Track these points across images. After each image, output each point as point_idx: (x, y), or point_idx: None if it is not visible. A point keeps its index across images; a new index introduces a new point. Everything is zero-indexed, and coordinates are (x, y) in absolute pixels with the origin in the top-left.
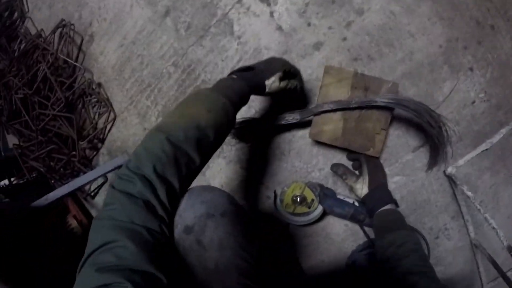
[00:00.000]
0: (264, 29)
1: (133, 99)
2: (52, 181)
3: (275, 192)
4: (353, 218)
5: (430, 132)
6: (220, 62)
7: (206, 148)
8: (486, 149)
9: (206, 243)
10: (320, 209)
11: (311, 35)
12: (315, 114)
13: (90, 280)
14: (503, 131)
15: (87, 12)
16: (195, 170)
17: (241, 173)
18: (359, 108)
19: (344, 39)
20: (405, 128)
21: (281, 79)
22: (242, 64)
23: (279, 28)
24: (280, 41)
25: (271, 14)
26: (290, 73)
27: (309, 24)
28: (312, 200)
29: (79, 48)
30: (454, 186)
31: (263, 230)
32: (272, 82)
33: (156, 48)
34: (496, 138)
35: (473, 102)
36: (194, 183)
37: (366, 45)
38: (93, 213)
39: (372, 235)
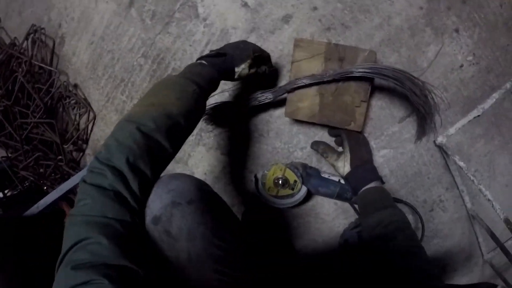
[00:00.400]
0: (229, 8)
1: (109, 96)
2: (45, 188)
3: (255, 176)
4: (340, 197)
5: (415, 101)
6: (189, 48)
7: (177, 136)
8: (478, 116)
9: (175, 233)
10: (304, 190)
11: (278, 8)
12: (289, 92)
13: (67, 279)
14: (495, 95)
15: (55, 13)
16: (168, 158)
17: (223, 159)
18: (335, 81)
19: (314, 8)
20: (389, 99)
21: (250, 66)
22: (210, 47)
23: (245, 4)
24: (246, 18)
25: None
26: (260, 58)
27: None
28: (295, 181)
29: (52, 52)
30: (446, 157)
31: (251, 215)
32: (242, 69)
33: (124, 41)
34: (488, 103)
35: (461, 66)
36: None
37: (338, 13)
38: None
39: None
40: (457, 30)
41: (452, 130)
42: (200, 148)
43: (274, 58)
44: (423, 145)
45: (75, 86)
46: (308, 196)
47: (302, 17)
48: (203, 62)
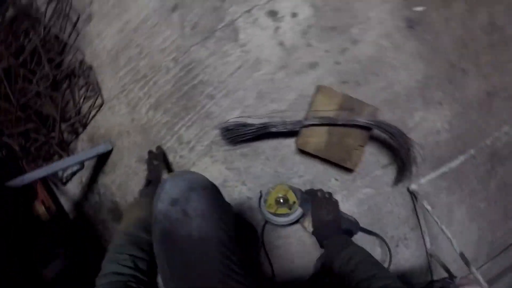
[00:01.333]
0: (267, 42)
1: (125, 88)
2: (23, 162)
3: (260, 192)
4: None
5: (400, 152)
6: (220, 66)
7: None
8: (445, 172)
9: (191, 212)
10: (299, 211)
11: (308, 55)
12: (304, 126)
13: None
14: (461, 158)
15: None
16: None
17: (226, 173)
18: (343, 125)
19: (338, 63)
20: (378, 147)
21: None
22: (241, 71)
23: (281, 43)
24: (280, 56)
25: (276, 29)
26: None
27: (308, 45)
28: (294, 202)
29: (74, 26)
30: (415, 201)
31: (241, 229)
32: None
33: (158, 40)
34: (455, 163)
35: (438, 131)
36: None
37: (355, 71)
38: (62, 200)
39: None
40: (440, 103)
41: (423, 181)
42: (206, 159)
43: (293, 95)
44: (398, 189)
45: (90, 67)
46: (298, 219)
47: (326, 68)
48: (141, 195)
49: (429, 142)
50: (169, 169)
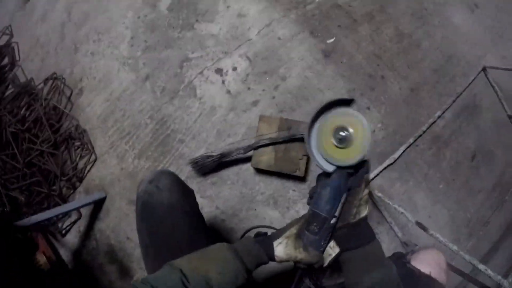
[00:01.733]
0: (217, 93)
1: (114, 144)
2: (26, 216)
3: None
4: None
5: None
6: (186, 116)
7: None
8: (392, 163)
9: (161, 186)
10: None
11: (250, 96)
12: (254, 149)
13: None
14: (402, 148)
15: (78, 69)
16: None
17: (201, 201)
18: (284, 142)
19: (273, 97)
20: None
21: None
22: (201, 118)
23: (228, 91)
24: (228, 101)
25: (223, 82)
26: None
27: (249, 88)
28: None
29: (68, 99)
30: (371, 196)
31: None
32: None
33: (136, 104)
34: (397, 153)
35: (373, 131)
36: None
37: (288, 100)
38: (62, 251)
39: None
40: (368, 108)
41: (371, 175)
42: None
43: (243, 128)
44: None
45: (84, 131)
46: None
47: (265, 102)
48: (256, 240)
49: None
50: None
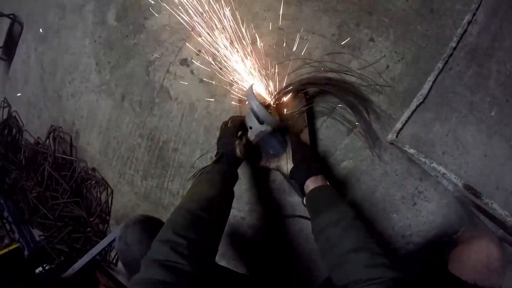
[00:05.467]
0: (191, 85)
1: (121, 172)
2: (78, 260)
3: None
4: None
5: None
6: (170, 123)
7: (216, 210)
8: (422, 102)
9: (130, 242)
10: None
11: (225, 75)
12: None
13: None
14: (430, 78)
15: (68, 114)
16: (209, 225)
17: None
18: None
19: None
20: (331, 118)
21: (241, 141)
22: (185, 119)
23: (201, 80)
24: (204, 90)
25: (192, 72)
26: (242, 127)
27: (221, 68)
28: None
29: (71, 145)
30: (404, 150)
31: (245, 245)
32: (239, 151)
33: (124, 127)
34: (426, 88)
35: (388, 67)
36: None
37: (269, 64)
38: (120, 279)
39: None
40: (372, 39)
41: (398, 125)
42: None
43: (231, 114)
44: (378, 147)
45: (93, 169)
46: (294, 221)
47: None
48: (214, 167)
49: (383, 82)
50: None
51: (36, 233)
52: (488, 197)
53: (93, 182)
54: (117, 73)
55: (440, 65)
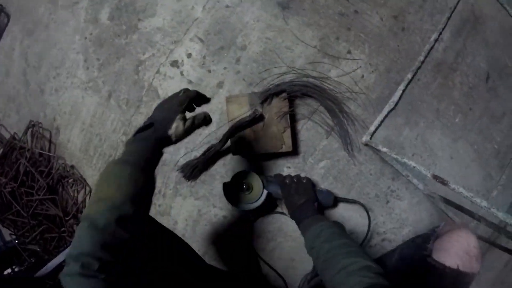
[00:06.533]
0: (179, 86)
1: (101, 171)
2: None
3: (224, 184)
4: None
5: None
6: None
7: (130, 221)
8: (393, 109)
9: None
10: (265, 193)
11: (213, 78)
12: (230, 137)
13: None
14: (401, 87)
15: (49, 110)
16: (125, 243)
17: (197, 203)
18: (252, 122)
19: (238, 72)
20: (310, 121)
21: (184, 119)
22: None
23: (190, 81)
24: None
25: (181, 73)
26: (192, 105)
27: (209, 71)
28: (258, 185)
29: (50, 141)
30: (377, 151)
31: (225, 244)
32: (176, 129)
33: (108, 125)
34: (396, 96)
35: (362, 76)
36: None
37: (255, 69)
38: None
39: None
40: (349, 52)
41: (372, 128)
42: (178, 198)
43: (216, 115)
44: (353, 148)
45: (72, 167)
46: (274, 217)
47: (231, 81)
48: (135, 138)
49: (358, 90)
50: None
51: (6, 231)
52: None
53: (71, 180)
54: (105, 70)
55: (409, 76)
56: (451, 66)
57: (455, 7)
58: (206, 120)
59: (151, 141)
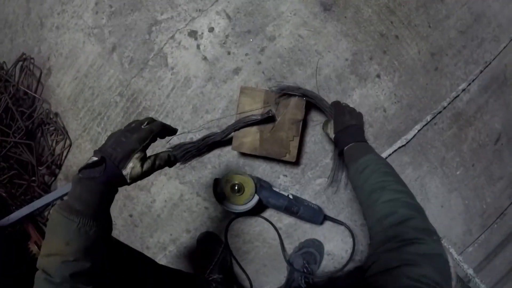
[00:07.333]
0: (192, 60)
1: (86, 127)
2: (13, 208)
3: (215, 180)
4: (287, 210)
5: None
6: (157, 91)
7: (87, 274)
8: (403, 145)
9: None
10: (256, 198)
11: (231, 62)
12: (235, 130)
13: None
14: (417, 127)
15: (45, 46)
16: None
17: (181, 187)
18: (264, 121)
19: (259, 63)
20: (320, 134)
21: (143, 160)
22: (175, 91)
23: (205, 58)
24: (205, 69)
25: (198, 46)
26: (153, 141)
27: (229, 53)
28: (250, 189)
29: (38, 81)
30: None
31: (204, 240)
32: (131, 169)
33: (104, 80)
34: (411, 134)
35: (382, 106)
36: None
37: (278, 66)
38: None
39: (304, 230)
40: (378, 76)
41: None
42: (161, 177)
43: (224, 102)
44: None
45: (56, 114)
46: (257, 221)
47: (249, 70)
48: (81, 177)
49: (376, 118)
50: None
51: None
52: None
53: (52, 128)
54: (115, 20)
55: (428, 118)
56: (469, 119)
57: (489, 63)
58: (169, 161)
59: (101, 182)
